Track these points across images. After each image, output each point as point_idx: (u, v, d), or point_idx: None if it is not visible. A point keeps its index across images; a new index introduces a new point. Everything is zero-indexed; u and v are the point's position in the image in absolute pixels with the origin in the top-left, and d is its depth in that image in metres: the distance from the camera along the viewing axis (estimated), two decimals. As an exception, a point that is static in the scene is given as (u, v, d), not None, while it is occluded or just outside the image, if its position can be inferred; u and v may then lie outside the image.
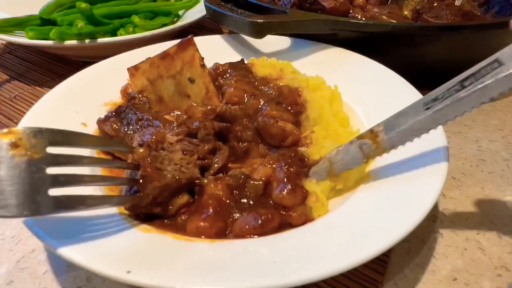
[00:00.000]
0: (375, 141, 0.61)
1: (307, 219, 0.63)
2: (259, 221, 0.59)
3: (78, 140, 0.56)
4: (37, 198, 0.47)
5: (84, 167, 0.62)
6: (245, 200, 0.64)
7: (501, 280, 0.62)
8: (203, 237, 0.59)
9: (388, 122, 0.61)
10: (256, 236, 0.59)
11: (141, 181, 0.60)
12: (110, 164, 0.68)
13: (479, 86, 0.53)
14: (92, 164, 0.62)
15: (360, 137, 0.63)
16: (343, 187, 0.67)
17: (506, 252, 0.66)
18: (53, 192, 0.49)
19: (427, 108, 0.57)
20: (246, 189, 0.65)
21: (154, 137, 0.64)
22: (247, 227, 0.59)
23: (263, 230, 0.59)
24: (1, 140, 0.46)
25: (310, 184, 0.66)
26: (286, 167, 0.66)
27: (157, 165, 0.62)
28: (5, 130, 0.47)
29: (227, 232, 0.61)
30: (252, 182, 0.65)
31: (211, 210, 0.61)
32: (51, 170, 0.49)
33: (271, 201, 0.65)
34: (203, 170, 0.68)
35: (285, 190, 0.63)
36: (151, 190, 0.60)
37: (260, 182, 0.65)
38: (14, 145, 0.46)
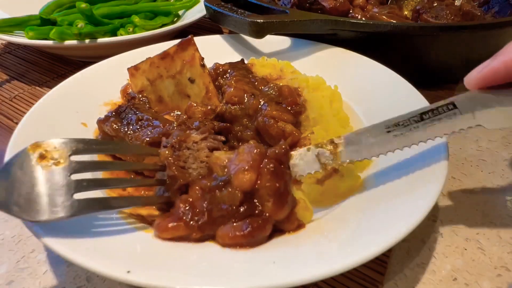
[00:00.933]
0: (335, 151, 0.62)
1: (299, 224, 0.60)
2: (248, 229, 0.55)
3: (98, 147, 0.61)
4: (64, 202, 0.52)
5: (107, 171, 0.66)
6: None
7: (501, 280, 0.62)
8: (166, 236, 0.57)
9: (349, 136, 0.63)
10: (245, 245, 0.56)
11: (167, 181, 0.62)
12: (135, 166, 0.69)
13: (434, 123, 0.61)
14: (115, 167, 0.65)
15: (319, 145, 0.63)
16: (332, 195, 0.66)
17: (506, 252, 0.66)
18: (79, 195, 0.53)
19: (388, 132, 0.62)
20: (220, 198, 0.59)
21: (178, 137, 0.65)
22: (236, 234, 0.56)
23: (253, 239, 0.56)
24: (30, 153, 0.52)
25: (298, 192, 0.66)
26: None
27: (180, 163, 0.63)
28: (32, 144, 0.53)
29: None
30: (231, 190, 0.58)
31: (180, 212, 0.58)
32: (76, 176, 0.54)
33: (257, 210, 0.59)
34: None
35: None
36: (178, 188, 0.61)
37: (237, 191, 0.58)
38: (41, 157, 0.52)
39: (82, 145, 0.56)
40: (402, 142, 0.61)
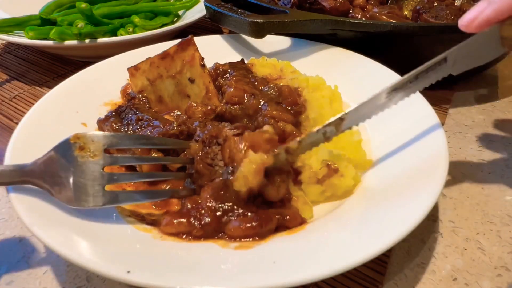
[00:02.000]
0: (339, 125, 0.65)
1: (302, 220, 0.62)
2: (256, 222, 0.58)
3: (131, 141, 0.65)
4: (96, 193, 0.57)
5: (138, 164, 0.69)
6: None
7: (501, 280, 0.62)
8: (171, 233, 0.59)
9: (353, 111, 0.65)
10: (251, 238, 0.58)
11: (194, 175, 0.65)
12: (165, 160, 0.70)
13: (425, 78, 0.65)
14: (146, 161, 0.68)
15: (327, 125, 0.65)
16: (331, 195, 0.67)
17: (506, 252, 0.66)
18: (110, 187, 0.59)
19: (387, 97, 0.66)
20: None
21: (209, 133, 0.66)
22: (244, 226, 0.58)
23: (260, 231, 0.58)
24: (71, 143, 0.59)
25: (298, 189, 0.66)
26: None
27: (208, 161, 0.64)
28: (73, 135, 0.60)
29: (220, 235, 0.59)
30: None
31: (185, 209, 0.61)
32: (108, 169, 0.60)
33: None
34: None
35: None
36: (202, 183, 0.64)
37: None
38: (80, 148, 0.58)
39: (116, 140, 0.61)
40: (397, 99, 0.66)
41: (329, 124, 0.64)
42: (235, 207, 0.60)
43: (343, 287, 0.60)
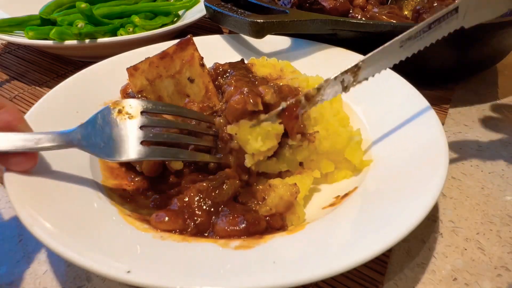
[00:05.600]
0: (356, 74, 0.66)
1: (283, 223, 0.64)
2: (244, 224, 0.60)
3: (164, 108, 0.70)
4: (133, 148, 0.63)
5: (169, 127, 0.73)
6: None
7: (501, 280, 0.62)
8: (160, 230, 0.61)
9: (368, 59, 0.67)
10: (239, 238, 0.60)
11: (219, 146, 0.70)
12: (195, 127, 0.72)
13: (437, 29, 0.66)
14: (177, 125, 0.72)
15: (344, 72, 0.66)
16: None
17: (506, 252, 0.66)
18: (146, 143, 0.64)
19: (401, 46, 0.67)
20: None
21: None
22: (231, 228, 0.60)
23: (248, 233, 0.60)
24: (111, 108, 0.65)
25: (297, 179, 0.68)
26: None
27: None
28: (113, 102, 0.66)
29: (206, 234, 0.61)
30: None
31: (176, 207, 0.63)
32: (145, 129, 0.66)
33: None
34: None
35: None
36: (229, 151, 0.69)
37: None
38: (119, 112, 0.64)
39: (151, 105, 0.68)
40: (412, 50, 0.66)
41: (346, 72, 0.65)
42: (222, 207, 0.64)
43: (343, 287, 0.60)
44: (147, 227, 0.61)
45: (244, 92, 0.67)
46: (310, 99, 0.66)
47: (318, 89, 0.65)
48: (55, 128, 0.75)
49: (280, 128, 0.67)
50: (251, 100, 0.66)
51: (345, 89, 0.66)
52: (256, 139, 0.66)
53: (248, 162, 0.67)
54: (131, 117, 0.65)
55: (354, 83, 0.66)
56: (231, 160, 0.69)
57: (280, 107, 0.67)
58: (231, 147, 0.69)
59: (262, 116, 0.66)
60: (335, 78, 0.65)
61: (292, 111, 0.66)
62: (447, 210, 0.74)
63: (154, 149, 0.65)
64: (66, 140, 0.62)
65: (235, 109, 0.67)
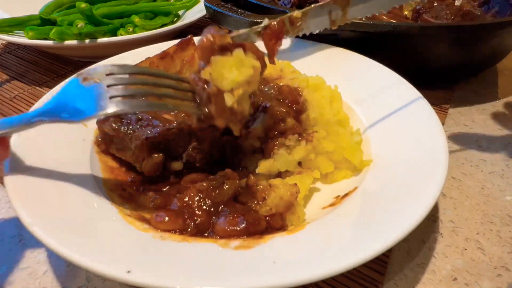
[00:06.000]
0: (345, 9, 0.64)
1: (283, 223, 0.64)
2: (244, 224, 0.60)
3: (132, 70, 0.66)
4: (103, 104, 0.60)
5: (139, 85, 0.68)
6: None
7: (501, 280, 0.62)
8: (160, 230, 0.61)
9: None
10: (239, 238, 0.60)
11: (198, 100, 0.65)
12: (166, 84, 0.67)
13: None
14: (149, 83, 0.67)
15: (333, 2, 0.64)
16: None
17: (506, 252, 0.66)
18: (115, 99, 0.61)
19: None
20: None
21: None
22: (231, 228, 0.60)
23: (248, 233, 0.60)
24: (75, 79, 0.63)
25: (297, 179, 0.67)
26: None
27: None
28: (77, 74, 0.63)
29: (206, 234, 0.61)
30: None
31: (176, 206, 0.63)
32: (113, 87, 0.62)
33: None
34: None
35: None
36: (207, 99, 0.64)
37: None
38: (84, 79, 0.62)
39: (117, 68, 0.64)
40: None
41: (335, 2, 0.62)
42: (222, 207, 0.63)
43: (343, 287, 0.60)
44: (147, 227, 0.61)
45: (209, 31, 0.64)
46: (294, 22, 0.62)
47: (304, 13, 0.60)
48: (55, 127, 0.75)
49: (255, 63, 0.63)
50: (217, 36, 0.62)
51: (333, 24, 0.61)
52: (231, 70, 0.62)
53: (228, 100, 0.63)
54: (97, 80, 0.62)
55: (343, 20, 0.62)
56: (212, 109, 0.64)
57: (263, 24, 0.62)
58: (208, 93, 0.63)
59: (241, 31, 0.62)
60: (322, 6, 0.61)
61: (275, 30, 0.63)
62: (447, 210, 0.74)
63: (125, 102, 0.61)
64: (32, 116, 0.62)
65: (204, 47, 0.63)
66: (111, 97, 0.60)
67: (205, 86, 0.64)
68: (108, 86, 0.62)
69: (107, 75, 0.63)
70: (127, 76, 0.64)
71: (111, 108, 0.60)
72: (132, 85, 0.64)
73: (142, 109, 0.66)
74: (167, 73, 0.70)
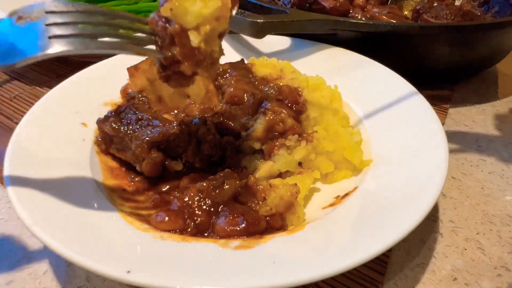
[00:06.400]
0: None
1: (283, 223, 0.63)
2: (244, 224, 0.60)
3: (76, 8, 0.57)
4: (41, 43, 0.53)
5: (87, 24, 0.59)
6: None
7: (501, 280, 0.62)
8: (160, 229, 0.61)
9: None
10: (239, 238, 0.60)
11: (158, 42, 0.57)
12: (117, 22, 0.59)
13: None
14: (98, 19, 0.58)
15: None
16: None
17: (506, 252, 0.66)
18: (55, 38, 0.54)
19: None
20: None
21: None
22: (231, 228, 0.60)
23: (248, 233, 0.60)
24: (8, 19, 0.55)
25: (297, 179, 0.67)
26: None
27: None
28: (10, 12, 0.56)
29: (206, 234, 0.61)
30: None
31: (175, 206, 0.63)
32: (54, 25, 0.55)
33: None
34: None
35: None
36: (170, 41, 0.56)
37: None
38: (18, 18, 0.55)
39: (59, 5, 0.56)
40: None
41: None
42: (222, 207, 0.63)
43: (343, 287, 0.60)
44: (147, 227, 0.61)
45: None
46: None
47: None
48: (56, 128, 0.75)
49: None
50: None
51: None
52: (194, 2, 0.55)
53: (194, 38, 0.55)
54: (34, 18, 0.54)
55: None
56: (176, 52, 0.56)
57: None
58: (171, 33, 0.55)
59: None
60: None
61: None
62: (447, 210, 0.74)
63: (70, 41, 0.54)
64: None
65: None
66: (50, 37, 0.53)
67: (167, 25, 0.56)
68: (48, 25, 0.54)
69: (47, 12, 0.55)
70: (71, 13, 0.55)
71: (53, 49, 0.52)
72: (79, 24, 0.56)
73: (90, 51, 0.55)
74: (121, 12, 0.60)
